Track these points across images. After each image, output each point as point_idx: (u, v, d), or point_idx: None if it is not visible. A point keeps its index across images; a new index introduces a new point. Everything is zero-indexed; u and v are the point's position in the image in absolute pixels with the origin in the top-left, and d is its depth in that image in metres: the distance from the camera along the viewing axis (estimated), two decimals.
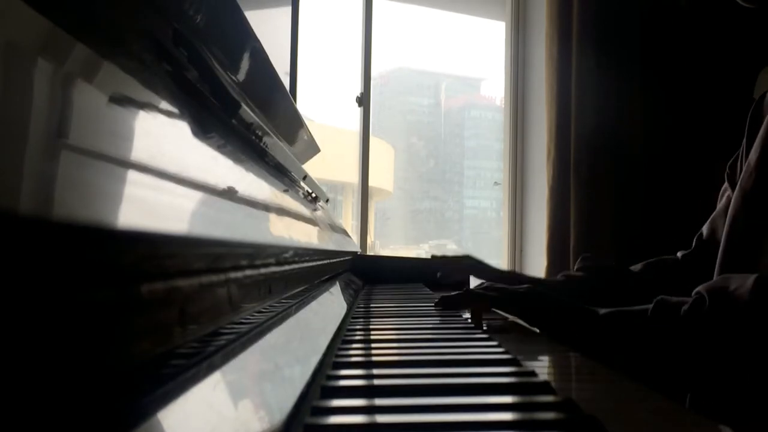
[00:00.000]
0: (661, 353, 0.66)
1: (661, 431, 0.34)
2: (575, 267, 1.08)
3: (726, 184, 0.95)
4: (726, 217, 0.93)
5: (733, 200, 0.81)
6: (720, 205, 0.96)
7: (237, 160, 0.44)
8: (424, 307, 0.86)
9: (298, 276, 0.57)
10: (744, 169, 0.80)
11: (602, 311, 0.69)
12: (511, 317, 0.76)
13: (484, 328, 0.69)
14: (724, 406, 0.70)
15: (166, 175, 0.25)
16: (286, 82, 1.24)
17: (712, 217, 0.97)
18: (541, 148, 2.08)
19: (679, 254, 1.02)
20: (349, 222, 2.46)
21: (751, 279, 0.63)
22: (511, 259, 2.26)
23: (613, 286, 1.00)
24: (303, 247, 0.57)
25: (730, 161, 0.94)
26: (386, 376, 0.41)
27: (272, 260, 0.42)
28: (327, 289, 0.76)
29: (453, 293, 0.80)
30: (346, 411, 0.33)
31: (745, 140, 0.88)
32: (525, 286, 0.77)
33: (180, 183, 0.26)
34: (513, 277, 1.10)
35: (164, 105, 0.31)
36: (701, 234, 0.99)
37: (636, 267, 1.05)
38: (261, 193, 0.47)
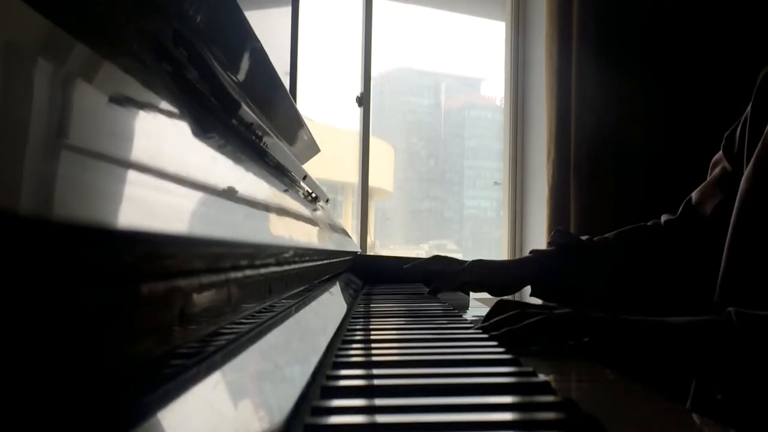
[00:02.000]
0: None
1: (661, 431, 0.34)
2: (548, 241, 1.05)
3: (720, 154, 0.92)
4: (717, 187, 0.90)
5: (745, 176, 0.77)
6: (712, 175, 0.93)
7: (237, 160, 0.44)
8: (424, 307, 0.86)
9: (298, 276, 0.57)
10: (760, 144, 0.76)
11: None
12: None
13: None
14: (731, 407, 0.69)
15: (166, 175, 0.25)
16: (286, 82, 1.24)
17: (703, 185, 0.95)
18: (541, 148, 2.08)
19: (663, 218, 0.99)
20: (349, 222, 2.46)
21: None
22: (511, 259, 2.26)
23: (579, 260, 0.98)
24: (303, 247, 0.57)
25: (728, 131, 0.90)
26: (386, 376, 0.41)
27: (272, 260, 0.42)
28: (327, 289, 0.76)
29: (513, 327, 0.61)
30: (346, 411, 0.33)
31: (750, 110, 0.83)
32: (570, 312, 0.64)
33: (180, 183, 0.26)
34: (477, 265, 1.01)
35: (164, 105, 0.31)
36: (690, 199, 0.96)
37: (609, 236, 1.02)
38: (261, 193, 0.47)
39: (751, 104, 0.84)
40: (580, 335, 0.59)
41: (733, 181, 0.83)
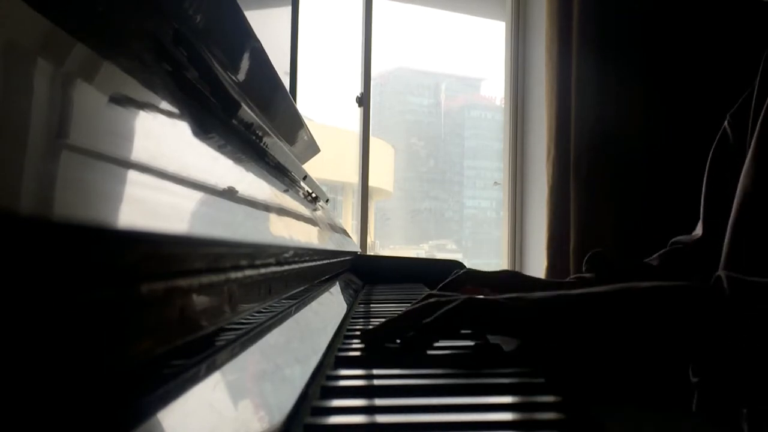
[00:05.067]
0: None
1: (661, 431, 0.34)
2: (584, 267, 0.95)
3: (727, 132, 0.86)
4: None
5: (747, 161, 0.72)
6: (717, 186, 0.88)
7: (237, 160, 0.44)
8: None
9: (298, 276, 0.57)
10: (761, 119, 0.71)
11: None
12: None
13: None
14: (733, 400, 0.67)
15: (166, 175, 0.25)
16: (286, 82, 1.24)
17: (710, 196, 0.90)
18: (541, 148, 2.08)
19: (685, 237, 0.94)
20: (349, 222, 2.46)
21: None
22: (511, 259, 2.26)
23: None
24: (303, 247, 0.57)
25: (733, 110, 0.85)
26: (386, 376, 0.41)
27: (272, 260, 0.42)
28: (327, 289, 0.76)
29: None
30: (346, 411, 0.33)
31: (757, 84, 0.79)
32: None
33: (180, 183, 0.26)
34: (510, 276, 0.87)
35: (164, 105, 0.31)
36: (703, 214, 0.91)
37: (652, 259, 0.94)
38: (261, 193, 0.47)
39: (758, 78, 0.80)
40: (517, 324, 0.49)
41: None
